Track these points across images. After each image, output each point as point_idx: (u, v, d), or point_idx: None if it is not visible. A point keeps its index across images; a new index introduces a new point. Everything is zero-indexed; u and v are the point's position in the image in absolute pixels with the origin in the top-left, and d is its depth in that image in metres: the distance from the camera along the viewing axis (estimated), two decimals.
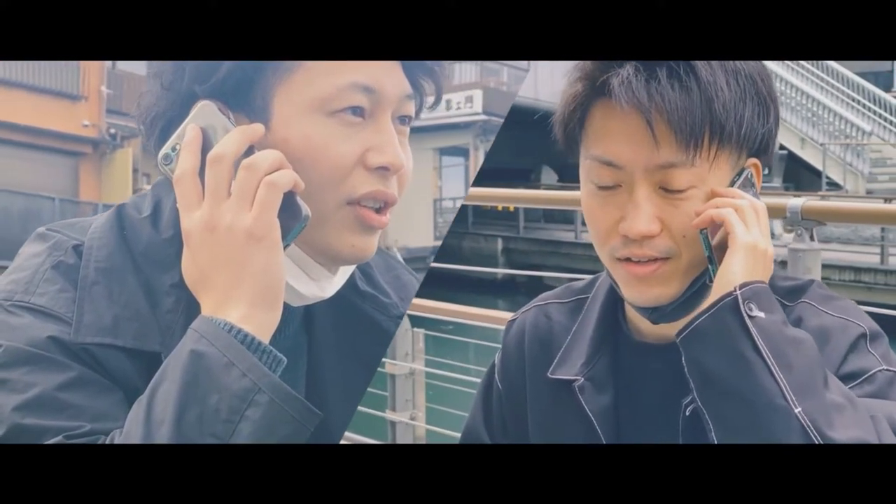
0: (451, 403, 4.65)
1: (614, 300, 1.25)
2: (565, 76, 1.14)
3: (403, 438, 4.41)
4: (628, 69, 1.06)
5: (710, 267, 1.09)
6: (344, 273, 1.18)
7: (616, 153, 1.09)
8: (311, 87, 1.06)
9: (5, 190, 13.01)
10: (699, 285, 1.13)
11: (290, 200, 1.03)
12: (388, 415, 4.47)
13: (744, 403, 1.00)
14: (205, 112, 1.06)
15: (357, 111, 1.07)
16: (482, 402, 1.38)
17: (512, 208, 18.72)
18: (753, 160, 1.14)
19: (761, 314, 1.02)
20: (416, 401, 4.48)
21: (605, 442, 1.18)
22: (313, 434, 1.17)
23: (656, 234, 1.09)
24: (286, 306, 1.13)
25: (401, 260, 1.40)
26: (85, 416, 1.01)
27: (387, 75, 1.08)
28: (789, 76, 18.63)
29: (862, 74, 18.67)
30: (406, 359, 4.46)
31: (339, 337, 1.24)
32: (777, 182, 16.51)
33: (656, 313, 1.14)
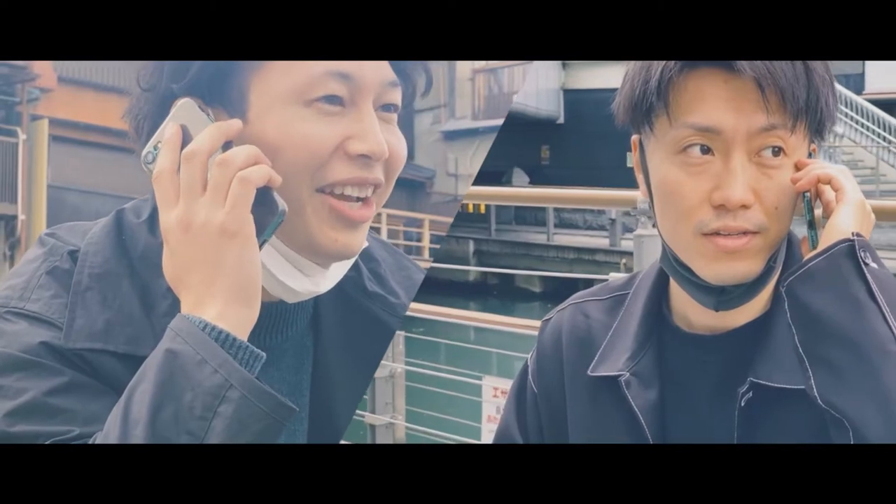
0: (427, 405, 4.65)
1: (659, 293, 1.23)
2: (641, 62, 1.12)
3: (383, 441, 4.40)
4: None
5: (810, 232, 1.10)
6: (341, 267, 1.16)
7: (717, 119, 1.06)
8: (286, 76, 1.05)
9: (98, 192, 12.90)
10: (768, 267, 1.12)
11: (266, 196, 1.02)
12: (368, 418, 4.45)
13: (852, 347, 0.99)
14: (184, 110, 1.05)
15: (334, 100, 1.06)
16: (515, 406, 1.34)
17: (483, 209, 18.74)
18: (813, 144, 1.14)
19: (875, 265, 1.02)
20: (396, 403, 4.46)
21: (650, 438, 1.15)
22: (319, 433, 1.17)
23: (752, 203, 1.07)
24: (288, 306, 1.15)
25: None
26: (77, 421, 1.00)
27: (365, 62, 1.07)
28: None
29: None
30: (386, 360, 4.44)
31: (346, 337, 1.23)
32: None
33: (723, 296, 1.12)
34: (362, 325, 1.24)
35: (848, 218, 1.06)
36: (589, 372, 1.23)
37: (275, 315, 1.15)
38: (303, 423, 1.20)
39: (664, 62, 1.08)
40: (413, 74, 1.13)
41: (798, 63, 1.07)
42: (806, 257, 1.06)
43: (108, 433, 0.97)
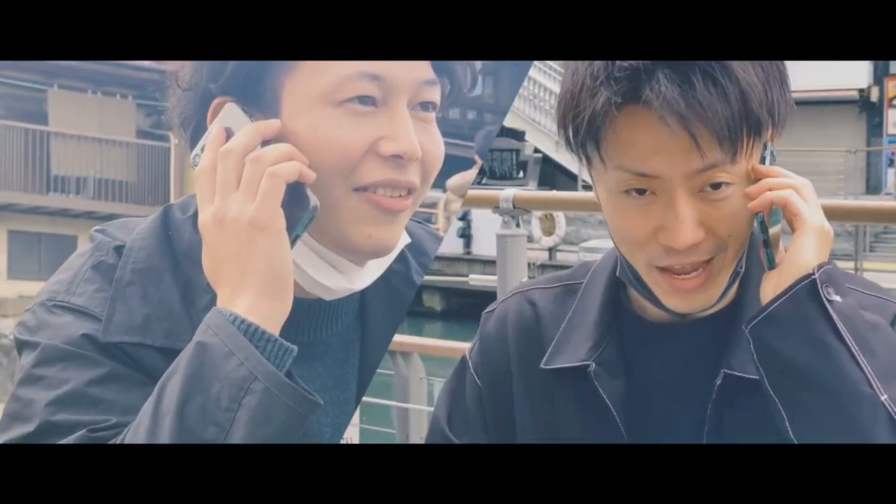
0: None
1: (617, 283, 1.17)
2: (573, 78, 1.04)
3: None
4: (660, 76, 0.97)
5: (766, 251, 1.04)
6: (378, 264, 1.17)
7: (652, 165, 1.00)
8: (318, 78, 1.06)
9: None
10: (733, 275, 1.08)
11: (299, 191, 1.04)
12: None
13: (826, 392, 0.96)
14: (229, 112, 1.09)
15: (365, 100, 1.06)
16: (450, 404, 1.26)
17: None
18: (771, 132, 1.07)
19: (839, 298, 0.98)
20: None
21: (622, 428, 1.11)
22: (344, 412, 1.19)
23: (702, 240, 1.02)
24: (334, 302, 1.16)
25: None
26: (115, 410, 1.03)
27: (398, 62, 1.06)
28: (542, 79, 18.12)
29: None
30: None
31: (390, 329, 1.25)
32: (532, 185, 14.94)
33: (686, 315, 1.09)
34: (401, 312, 1.26)
35: (808, 248, 1.00)
36: (543, 364, 1.17)
37: (320, 310, 1.17)
38: (349, 416, 1.21)
39: (592, 99, 1.00)
40: (456, 70, 1.13)
41: (733, 94, 0.98)
42: (767, 299, 1.01)
43: (139, 423, 0.99)
